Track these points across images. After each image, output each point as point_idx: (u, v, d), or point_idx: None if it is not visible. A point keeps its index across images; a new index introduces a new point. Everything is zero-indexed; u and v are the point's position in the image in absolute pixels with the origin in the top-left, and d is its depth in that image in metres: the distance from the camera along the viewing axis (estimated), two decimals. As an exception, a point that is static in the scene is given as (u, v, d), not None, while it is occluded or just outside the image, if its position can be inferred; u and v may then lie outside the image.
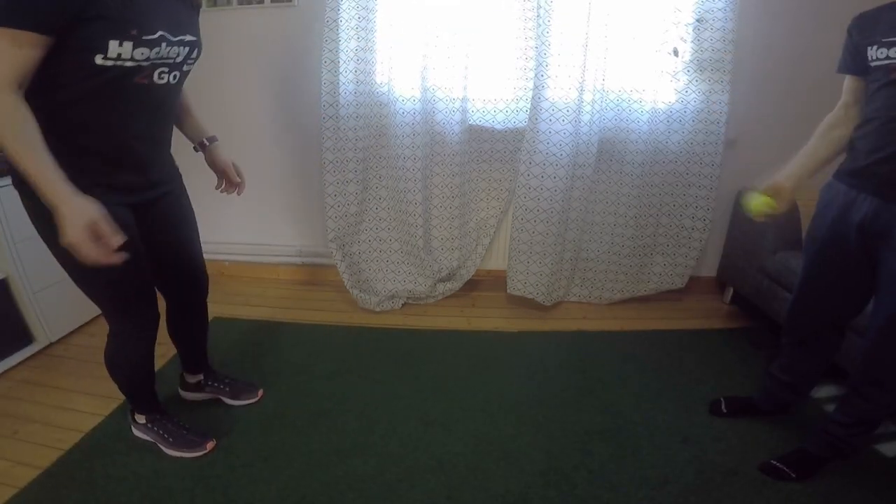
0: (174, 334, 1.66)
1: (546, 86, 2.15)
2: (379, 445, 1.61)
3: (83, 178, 1.10)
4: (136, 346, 1.42)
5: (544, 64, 2.12)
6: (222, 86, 2.46)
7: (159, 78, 1.14)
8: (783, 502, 1.41)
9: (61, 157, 1.06)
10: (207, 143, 1.50)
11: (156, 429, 1.56)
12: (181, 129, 1.48)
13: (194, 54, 1.22)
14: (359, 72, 2.19)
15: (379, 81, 2.25)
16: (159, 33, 1.07)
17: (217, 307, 2.43)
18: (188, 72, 1.25)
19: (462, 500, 1.42)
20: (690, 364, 2.07)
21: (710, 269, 2.68)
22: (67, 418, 1.70)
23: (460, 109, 2.28)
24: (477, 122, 2.38)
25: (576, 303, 2.59)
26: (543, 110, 2.19)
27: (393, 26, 2.16)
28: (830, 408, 1.73)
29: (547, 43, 2.09)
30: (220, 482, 1.46)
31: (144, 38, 1.04)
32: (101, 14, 0.97)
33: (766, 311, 2.22)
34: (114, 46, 1.00)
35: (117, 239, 1.04)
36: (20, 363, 1.97)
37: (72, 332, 2.18)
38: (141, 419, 1.57)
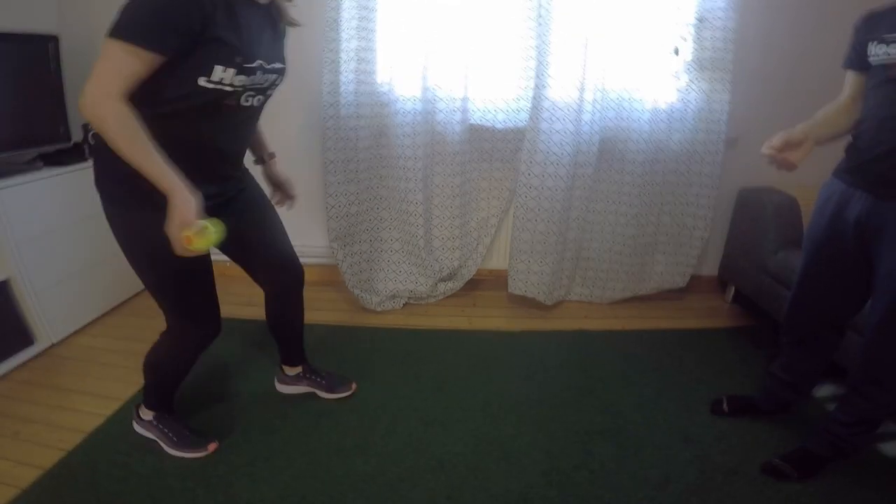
0: (273, 326, 1.72)
1: (547, 85, 2.15)
2: (380, 445, 1.61)
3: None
4: (188, 351, 1.45)
5: (545, 63, 2.12)
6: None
7: (245, 101, 1.19)
8: (784, 502, 1.41)
9: None
10: (267, 160, 1.63)
11: (161, 426, 1.56)
12: (253, 145, 1.57)
13: (279, 81, 1.28)
14: (359, 72, 2.19)
15: (380, 81, 2.25)
16: (258, 62, 1.13)
17: (218, 307, 2.43)
18: (271, 94, 1.30)
19: (463, 500, 1.42)
20: (692, 363, 2.06)
21: (711, 269, 2.68)
22: (69, 419, 1.70)
23: (461, 109, 2.28)
24: (478, 121, 2.38)
25: (577, 302, 2.59)
26: (544, 110, 2.19)
27: (394, 26, 2.16)
28: (831, 407, 1.73)
29: (548, 42, 2.09)
30: (221, 482, 1.46)
31: (246, 66, 1.10)
32: (215, 38, 1.03)
33: (767, 310, 2.22)
34: (218, 71, 1.06)
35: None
36: (22, 364, 1.97)
37: (74, 333, 2.19)
38: (147, 415, 1.58)
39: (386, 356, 2.10)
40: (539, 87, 2.16)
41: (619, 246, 2.45)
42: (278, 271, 1.61)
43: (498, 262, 2.68)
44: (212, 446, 1.56)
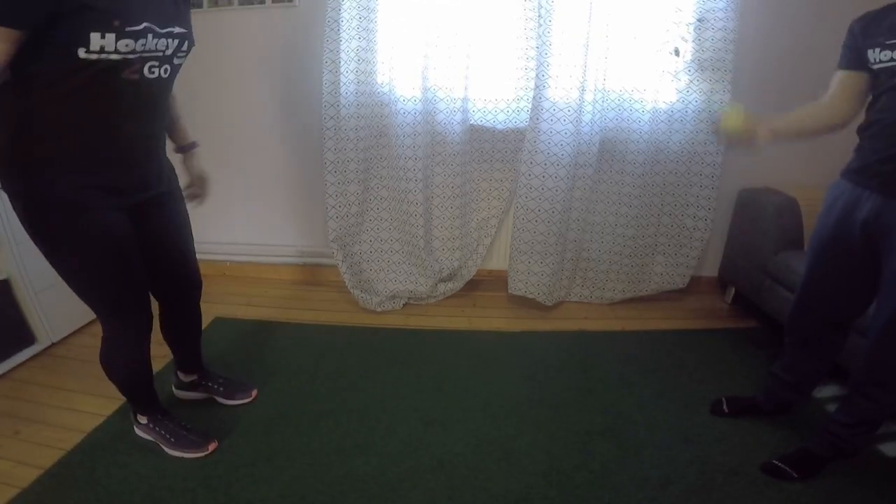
0: (168, 335, 1.66)
1: (547, 86, 2.15)
2: (380, 445, 1.61)
3: (78, 178, 1.11)
4: (131, 348, 1.41)
5: (545, 64, 2.12)
6: (223, 86, 2.47)
7: (150, 72, 1.11)
8: (785, 502, 1.41)
9: (56, 156, 1.07)
10: (188, 150, 1.54)
11: (157, 429, 1.56)
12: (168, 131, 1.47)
13: (185, 47, 1.19)
14: (360, 72, 2.19)
15: (380, 81, 2.25)
16: (144, 24, 1.04)
17: (219, 307, 2.44)
18: (179, 65, 1.22)
19: (463, 501, 1.42)
20: (692, 364, 2.06)
21: (711, 269, 2.68)
22: (69, 418, 1.70)
23: (461, 109, 2.28)
24: (478, 122, 2.38)
25: (577, 303, 2.59)
26: (544, 110, 2.19)
27: (394, 26, 2.17)
28: (832, 408, 1.73)
29: (548, 43, 2.09)
30: (221, 482, 1.46)
31: (128, 29, 1.01)
32: (79, 4, 0.94)
33: (767, 311, 2.22)
34: (96, 39, 0.97)
35: None
36: (22, 363, 1.97)
37: (74, 333, 2.19)
38: (142, 419, 1.57)
39: (386, 356, 2.10)
40: (539, 88, 2.16)
41: (619, 247, 2.45)
42: (179, 288, 1.56)
43: (498, 262, 2.68)
44: (211, 446, 1.56)
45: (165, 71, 1.16)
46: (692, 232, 2.40)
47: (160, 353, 2.06)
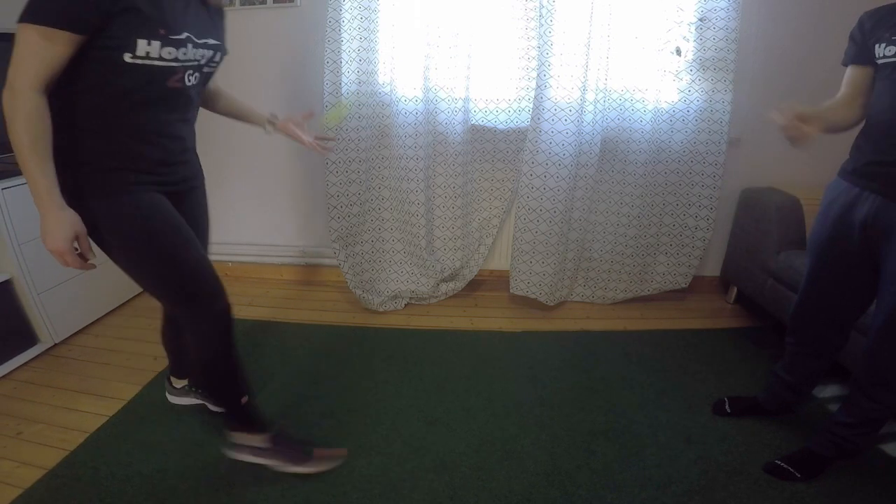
0: (167, 336, 1.63)
1: (548, 85, 2.15)
2: (382, 445, 1.61)
3: (117, 169, 1.14)
4: (210, 333, 1.32)
5: (547, 64, 2.12)
6: (224, 86, 2.46)
7: (188, 80, 1.17)
8: (788, 502, 1.41)
9: (94, 152, 1.11)
10: (274, 121, 1.56)
11: (278, 447, 1.46)
12: (237, 115, 1.56)
13: (217, 58, 1.25)
14: (361, 72, 2.19)
15: (381, 82, 2.25)
16: (185, 34, 1.10)
17: (220, 308, 2.44)
18: (209, 74, 1.27)
19: (465, 500, 1.42)
20: (694, 364, 2.06)
21: (713, 269, 2.68)
22: (72, 419, 1.70)
23: (463, 109, 2.28)
24: (479, 122, 2.38)
25: (579, 303, 2.59)
26: (546, 110, 2.19)
27: (395, 26, 2.17)
28: (834, 407, 1.73)
29: (549, 43, 2.09)
30: (223, 482, 1.46)
31: (171, 37, 1.06)
32: (129, 7, 0.99)
33: (769, 311, 2.21)
34: (142, 45, 1.02)
35: (92, 255, 1.12)
36: (25, 364, 1.98)
37: (76, 333, 2.19)
38: (259, 441, 1.45)
39: (388, 357, 2.10)
40: (541, 88, 2.16)
41: (620, 246, 2.45)
42: None
43: (500, 262, 2.68)
44: (340, 451, 1.53)
45: (197, 79, 1.21)
46: (694, 231, 2.40)
47: (153, 353, 2.06)
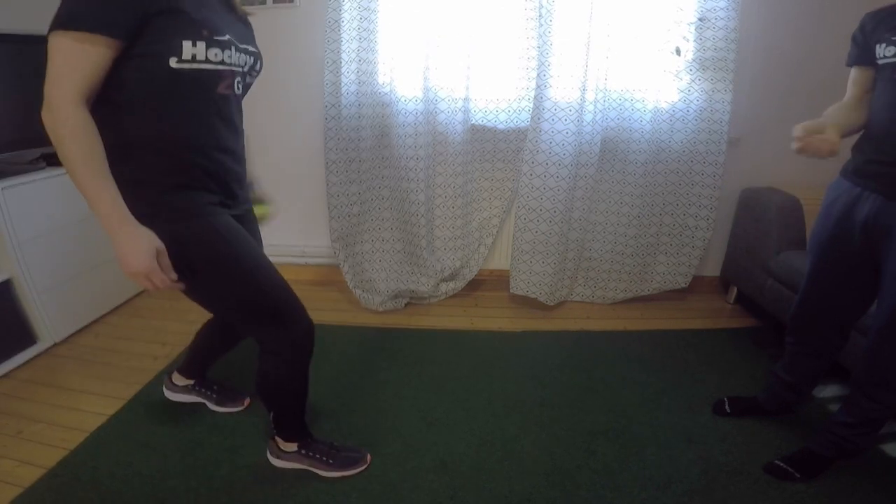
0: (206, 333, 1.63)
1: (548, 85, 2.15)
2: (382, 445, 1.61)
3: (186, 187, 1.07)
4: (296, 362, 1.32)
5: (546, 64, 2.12)
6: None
7: (237, 88, 1.12)
8: (788, 502, 1.41)
9: (158, 169, 1.03)
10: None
11: (311, 454, 1.47)
12: None
13: (258, 66, 1.20)
14: (361, 72, 2.20)
15: (381, 82, 2.25)
16: (228, 36, 1.04)
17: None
18: (251, 84, 1.22)
19: (465, 501, 1.42)
20: (694, 364, 2.06)
21: (713, 269, 2.68)
22: (72, 418, 1.70)
23: (462, 109, 2.28)
24: (479, 121, 2.38)
25: (579, 302, 2.59)
26: (546, 110, 2.19)
27: (395, 26, 2.17)
28: (835, 407, 1.73)
29: (549, 43, 2.09)
30: (224, 482, 1.46)
31: (216, 38, 1.00)
32: (171, 9, 0.93)
33: (770, 311, 2.21)
34: (188, 47, 0.96)
35: (174, 274, 1.03)
36: (25, 363, 1.98)
37: (76, 332, 2.19)
38: (290, 447, 1.47)
39: (388, 356, 2.10)
40: (541, 88, 2.16)
41: (620, 246, 2.45)
42: None
43: (500, 262, 2.68)
44: (369, 456, 1.53)
45: (240, 87, 1.15)
46: (694, 231, 2.40)
47: (153, 353, 2.06)
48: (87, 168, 0.92)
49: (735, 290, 2.57)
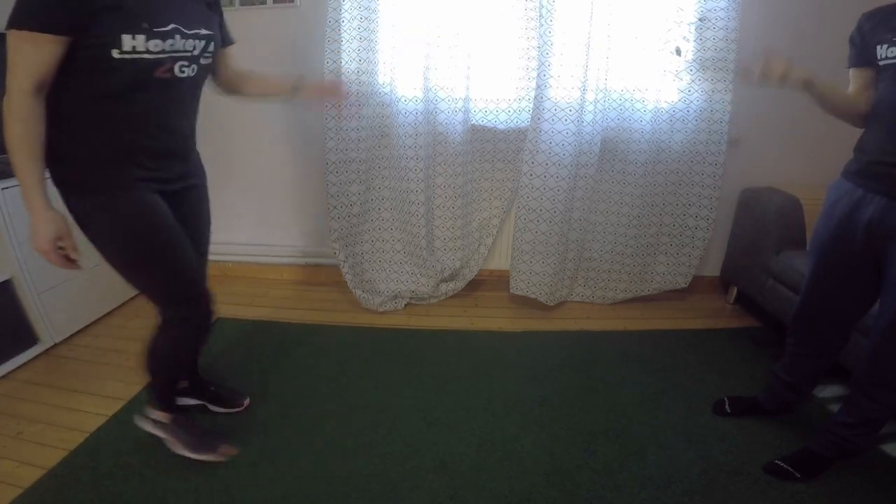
0: None
1: (548, 85, 2.15)
2: (382, 445, 1.61)
3: (119, 169, 1.17)
4: (186, 334, 1.41)
5: (546, 64, 2.12)
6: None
7: (180, 71, 1.17)
8: (787, 502, 1.41)
9: (98, 152, 1.14)
10: (300, 86, 1.53)
11: (175, 427, 1.53)
12: (265, 94, 1.57)
13: (211, 48, 1.25)
14: (361, 72, 2.19)
15: (381, 82, 2.25)
16: (172, 26, 1.11)
17: (221, 307, 2.41)
18: (207, 66, 1.28)
19: (465, 501, 1.42)
20: (694, 364, 2.06)
21: (713, 269, 2.68)
22: (72, 419, 1.70)
23: (463, 109, 2.28)
24: (479, 122, 2.38)
25: (579, 303, 2.59)
26: (546, 110, 2.19)
27: (395, 27, 2.17)
28: (835, 408, 1.73)
29: (549, 43, 2.09)
30: (223, 482, 1.46)
31: (156, 30, 1.08)
32: (112, 4, 1.01)
33: (770, 311, 2.21)
34: (127, 40, 1.04)
35: (76, 255, 1.16)
36: (25, 364, 1.98)
37: (76, 333, 2.19)
38: (161, 416, 1.53)
39: (388, 357, 2.10)
40: (541, 88, 2.16)
41: (620, 246, 2.45)
42: None
43: (500, 262, 2.67)
44: (229, 450, 1.54)
45: (194, 70, 1.22)
46: (694, 231, 2.40)
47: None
48: (23, 151, 1.04)
49: (735, 290, 2.57)
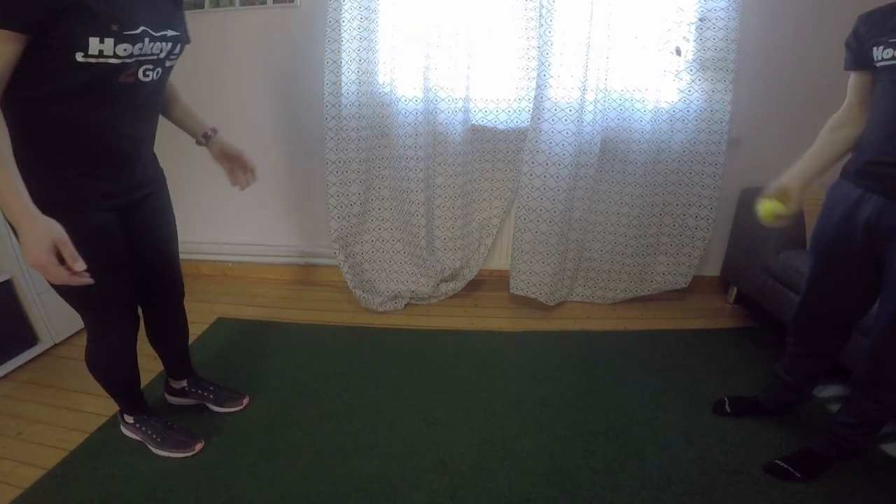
0: (154, 340, 1.64)
1: (548, 85, 2.15)
2: (382, 445, 1.61)
3: (74, 180, 1.11)
4: (117, 350, 1.40)
5: (546, 64, 2.12)
6: (224, 86, 2.47)
7: (144, 76, 1.11)
8: (787, 502, 1.41)
9: (46, 154, 1.06)
10: (212, 135, 1.46)
11: (143, 429, 1.56)
12: (179, 124, 1.45)
13: (177, 50, 1.19)
14: (361, 72, 2.19)
15: (381, 82, 2.25)
16: (141, 28, 1.04)
17: (221, 307, 2.44)
18: (171, 67, 1.22)
19: (465, 501, 1.42)
20: (694, 364, 2.06)
21: (713, 269, 2.68)
22: (72, 419, 1.71)
23: (463, 109, 2.28)
24: (479, 121, 2.38)
25: (579, 303, 2.59)
26: (546, 110, 2.19)
27: (395, 26, 2.17)
28: (835, 408, 1.73)
29: (549, 42, 2.09)
30: (224, 482, 1.46)
31: (126, 33, 1.01)
32: (78, 5, 0.93)
33: (770, 311, 2.21)
34: (94, 44, 0.97)
35: (80, 264, 1.01)
36: (25, 364, 1.98)
37: (76, 333, 2.19)
38: (129, 419, 1.57)
39: (388, 356, 2.10)
40: (541, 88, 2.16)
41: (620, 246, 2.45)
42: (161, 290, 1.52)
43: (500, 262, 2.67)
44: (198, 446, 1.56)
45: (157, 73, 1.16)
46: (694, 231, 2.40)
47: (153, 353, 2.07)
48: None
49: (735, 290, 2.57)
